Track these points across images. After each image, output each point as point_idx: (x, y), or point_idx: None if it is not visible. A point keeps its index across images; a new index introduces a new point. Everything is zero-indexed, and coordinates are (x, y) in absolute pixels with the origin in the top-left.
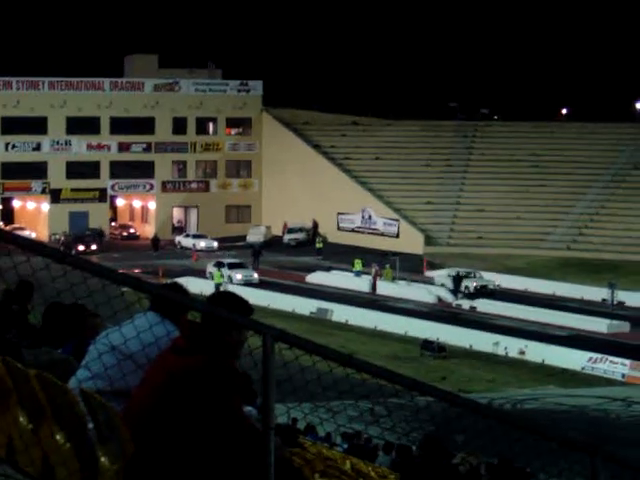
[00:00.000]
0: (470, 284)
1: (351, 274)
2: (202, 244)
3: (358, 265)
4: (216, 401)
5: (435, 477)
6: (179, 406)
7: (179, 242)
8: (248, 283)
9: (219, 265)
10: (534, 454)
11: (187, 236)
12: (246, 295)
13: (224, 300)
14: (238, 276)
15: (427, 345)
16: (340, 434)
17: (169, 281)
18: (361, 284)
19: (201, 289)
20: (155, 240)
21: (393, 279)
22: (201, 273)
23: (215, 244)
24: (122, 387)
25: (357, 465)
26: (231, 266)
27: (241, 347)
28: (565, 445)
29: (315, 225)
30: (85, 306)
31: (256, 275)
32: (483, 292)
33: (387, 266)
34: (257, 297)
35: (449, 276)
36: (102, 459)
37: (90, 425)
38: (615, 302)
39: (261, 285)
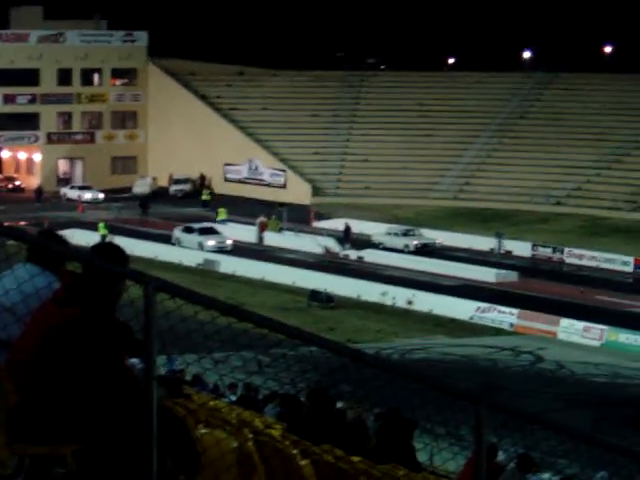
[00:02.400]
0: (410, 242)
1: (238, 225)
2: (88, 195)
3: (222, 214)
4: (97, 352)
5: (322, 426)
6: (61, 357)
7: (64, 194)
8: (221, 250)
9: (189, 230)
10: (419, 403)
11: (72, 188)
12: (131, 246)
13: (103, 251)
14: (210, 242)
15: (315, 295)
16: (227, 385)
17: (45, 228)
18: (248, 235)
19: (87, 241)
20: (38, 191)
21: (280, 230)
22: (87, 225)
23: (101, 195)
24: (3, 338)
25: (242, 415)
26: (202, 231)
27: (119, 298)
28: (449, 393)
29: (202, 178)
30: None
31: (229, 242)
32: (425, 251)
33: (273, 217)
34: (143, 249)
35: (388, 234)
36: None
37: None
38: (503, 251)
39: (149, 237)
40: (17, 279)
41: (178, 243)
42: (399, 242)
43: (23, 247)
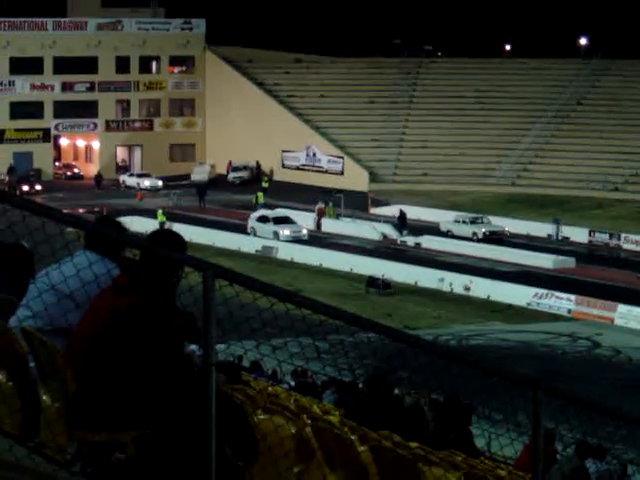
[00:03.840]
0: (479, 230)
1: (297, 212)
2: (146, 183)
3: (260, 198)
4: (157, 340)
5: (380, 412)
6: (120, 345)
7: (123, 181)
8: (297, 239)
9: (264, 220)
10: (476, 389)
11: (131, 175)
12: (190, 232)
13: (162, 238)
14: (286, 232)
15: (372, 282)
16: (286, 372)
17: (102, 215)
18: (306, 221)
19: (146, 228)
20: (98, 178)
21: (337, 216)
22: (146, 212)
23: (160, 183)
24: (63, 325)
25: (300, 401)
26: (277, 221)
27: (178, 284)
28: (506, 379)
29: (258, 166)
30: (24, 245)
31: (305, 231)
32: (492, 239)
33: (330, 204)
34: (203, 236)
35: (456, 222)
36: (44, 397)
37: (31, 364)
38: (560, 237)
39: (207, 224)
40: (76, 266)
41: (253, 233)
42: (467, 230)
43: (82, 234)
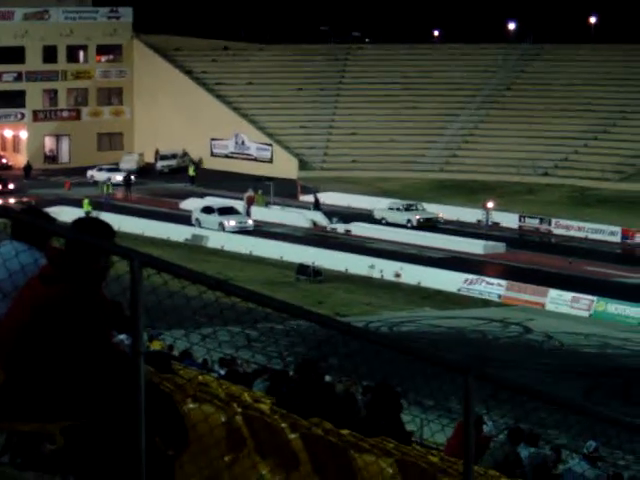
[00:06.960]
0: (412, 217)
1: (223, 199)
2: (118, 177)
3: (108, 188)
4: (83, 329)
5: (311, 400)
6: (47, 334)
7: (92, 176)
8: (242, 230)
9: (208, 211)
10: (408, 376)
11: (100, 170)
12: (117, 221)
13: (87, 225)
14: (231, 223)
15: (303, 269)
16: (215, 360)
17: (29, 204)
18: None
19: (74, 218)
20: (27, 168)
21: (266, 204)
22: (74, 202)
23: (132, 177)
24: None
25: (231, 389)
26: (222, 212)
27: (107, 273)
28: (437, 365)
29: (184, 154)
30: None
31: (251, 222)
32: (426, 226)
33: (259, 191)
34: (131, 225)
35: (390, 209)
36: None
37: None
38: (490, 223)
39: (136, 213)
40: (3, 256)
41: (198, 224)
42: (401, 217)
43: (8, 224)
